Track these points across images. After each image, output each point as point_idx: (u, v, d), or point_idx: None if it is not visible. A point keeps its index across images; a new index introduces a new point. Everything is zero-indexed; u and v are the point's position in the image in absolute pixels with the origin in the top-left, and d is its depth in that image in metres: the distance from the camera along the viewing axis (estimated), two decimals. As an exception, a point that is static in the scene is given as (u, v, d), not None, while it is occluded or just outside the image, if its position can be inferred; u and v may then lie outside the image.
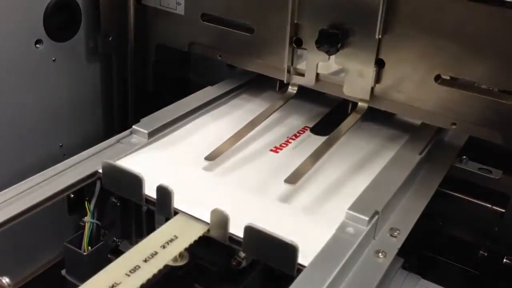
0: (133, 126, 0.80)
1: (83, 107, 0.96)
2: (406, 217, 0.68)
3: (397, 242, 0.64)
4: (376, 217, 0.64)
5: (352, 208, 0.64)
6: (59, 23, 0.87)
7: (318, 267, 0.57)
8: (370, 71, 0.77)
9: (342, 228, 0.63)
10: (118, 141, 0.78)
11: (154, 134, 0.80)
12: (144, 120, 0.82)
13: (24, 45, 0.84)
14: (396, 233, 0.65)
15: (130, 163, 0.74)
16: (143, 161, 0.75)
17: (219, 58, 0.92)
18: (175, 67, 1.05)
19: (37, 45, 0.85)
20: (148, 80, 1.01)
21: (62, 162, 0.72)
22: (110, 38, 0.95)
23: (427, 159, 0.79)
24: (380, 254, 0.61)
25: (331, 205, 0.69)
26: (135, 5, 0.94)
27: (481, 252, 0.84)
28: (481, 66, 0.71)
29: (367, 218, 0.63)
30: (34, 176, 0.69)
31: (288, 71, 0.85)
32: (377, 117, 0.86)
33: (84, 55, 0.94)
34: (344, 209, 0.64)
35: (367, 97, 0.79)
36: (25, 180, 0.68)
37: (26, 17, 0.83)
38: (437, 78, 0.74)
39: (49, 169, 0.71)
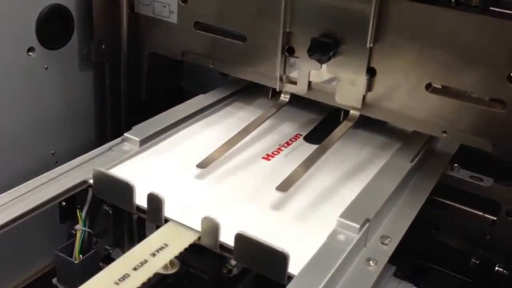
0: (125, 134, 0.80)
1: (75, 115, 0.96)
2: (397, 225, 0.68)
3: (388, 249, 0.64)
4: (367, 224, 0.64)
5: (343, 215, 0.64)
6: (51, 31, 0.87)
7: (308, 275, 0.57)
8: (361, 79, 0.77)
9: (333, 235, 0.63)
10: (109, 148, 0.78)
11: (145, 141, 0.80)
12: (135, 128, 0.81)
13: (16, 52, 0.83)
14: (387, 241, 0.65)
15: (121, 171, 0.74)
16: (134, 169, 0.75)
17: (212, 66, 0.92)
18: (168, 75, 1.05)
19: (30, 53, 0.85)
20: (141, 88, 1.01)
21: (53, 170, 0.72)
22: (103, 46, 0.95)
23: (419, 167, 0.79)
24: (371, 262, 0.61)
25: (323, 212, 0.69)
26: (128, 13, 0.95)
27: (473, 259, 0.84)
28: (472, 75, 0.71)
29: (358, 226, 0.63)
30: (25, 183, 0.69)
31: (281, 79, 0.85)
32: (369, 125, 0.86)
33: (77, 63, 0.94)
34: (336, 217, 0.64)
35: (359, 105, 0.79)
36: (15, 188, 0.68)
37: (18, 25, 0.82)
38: (428, 86, 0.75)
39: (40, 176, 0.71)
